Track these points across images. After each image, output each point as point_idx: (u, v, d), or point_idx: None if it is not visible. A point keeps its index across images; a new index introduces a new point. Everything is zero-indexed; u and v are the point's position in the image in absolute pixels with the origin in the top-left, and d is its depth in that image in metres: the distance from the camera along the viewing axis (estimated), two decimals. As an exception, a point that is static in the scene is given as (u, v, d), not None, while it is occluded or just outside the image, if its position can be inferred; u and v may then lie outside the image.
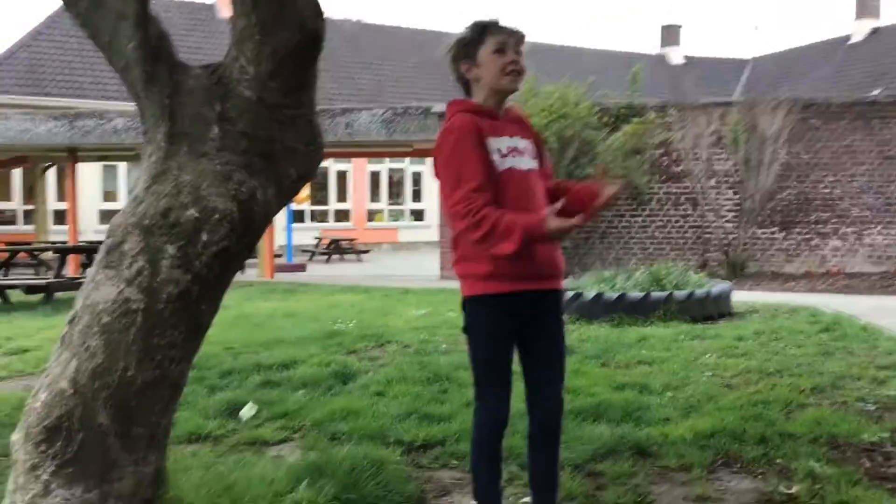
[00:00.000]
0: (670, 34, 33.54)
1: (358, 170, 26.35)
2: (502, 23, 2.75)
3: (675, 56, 32.73)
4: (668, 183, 13.88)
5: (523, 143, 2.74)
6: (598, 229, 13.90)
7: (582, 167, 13.10)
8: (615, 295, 7.82)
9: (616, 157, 13.25)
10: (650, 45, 49.07)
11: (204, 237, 2.64)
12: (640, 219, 13.96)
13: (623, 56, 29.58)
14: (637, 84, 14.35)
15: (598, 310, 7.72)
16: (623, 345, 6.33)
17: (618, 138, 13.21)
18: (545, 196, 2.75)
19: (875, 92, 20.44)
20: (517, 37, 2.72)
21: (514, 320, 2.67)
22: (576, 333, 6.83)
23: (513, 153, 2.69)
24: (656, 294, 7.84)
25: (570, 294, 7.87)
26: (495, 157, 2.64)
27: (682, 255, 13.60)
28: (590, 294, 7.90)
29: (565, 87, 13.51)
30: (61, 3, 2.97)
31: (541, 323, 2.72)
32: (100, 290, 2.63)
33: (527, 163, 2.72)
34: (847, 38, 28.87)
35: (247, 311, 9.00)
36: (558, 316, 2.78)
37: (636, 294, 7.85)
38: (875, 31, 27.99)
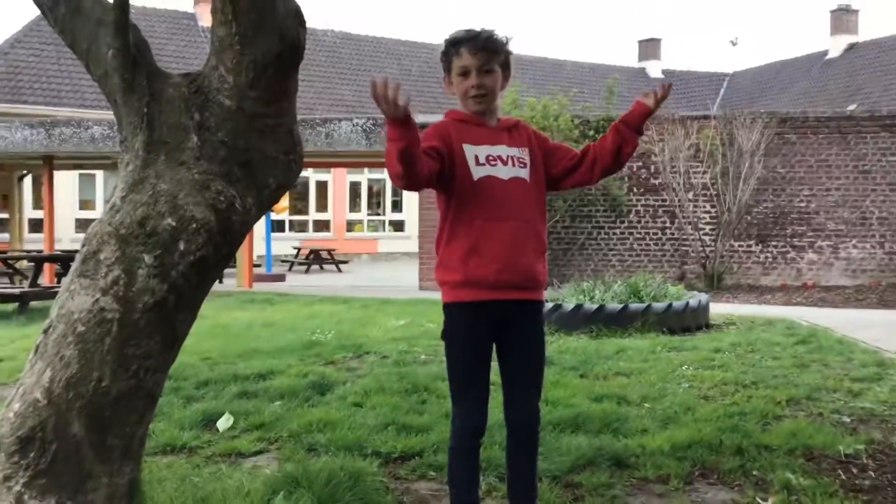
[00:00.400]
0: (649, 48, 33.83)
1: (338, 180, 26.32)
2: (474, 35, 2.72)
3: (654, 69, 32.99)
4: (647, 195, 13.97)
5: (512, 151, 2.72)
6: (578, 241, 13.96)
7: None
8: (594, 306, 7.85)
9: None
10: (630, 58, 49.45)
11: (181, 246, 2.63)
12: (618, 231, 14.03)
13: (604, 68, 29.79)
14: (614, 96, 14.46)
15: (578, 321, 7.74)
16: (602, 356, 6.35)
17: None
18: (534, 202, 2.73)
19: (851, 107, 20.72)
20: (482, 57, 2.69)
21: (491, 328, 2.68)
22: (555, 345, 6.84)
23: (492, 161, 2.68)
24: (635, 306, 7.87)
25: (549, 305, 7.88)
26: (471, 164, 2.66)
27: (661, 267, 13.67)
28: (569, 305, 7.92)
29: (547, 99, 13.60)
30: (39, 10, 2.95)
31: (519, 333, 2.72)
32: (75, 299, 2.60)
33: (508, 171, 2.70)
34: (824, 53, 29.25)
35: (224, 320, 8.94)
36: (537, 326, 2.77)
37: (615, 306, 7.88)
38: (851, 46, 28.38)
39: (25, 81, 20.48)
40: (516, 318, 2.70)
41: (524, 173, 2.73)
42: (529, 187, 2.73)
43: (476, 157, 2.67)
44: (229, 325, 8.58)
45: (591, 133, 13.50)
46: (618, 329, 7.61)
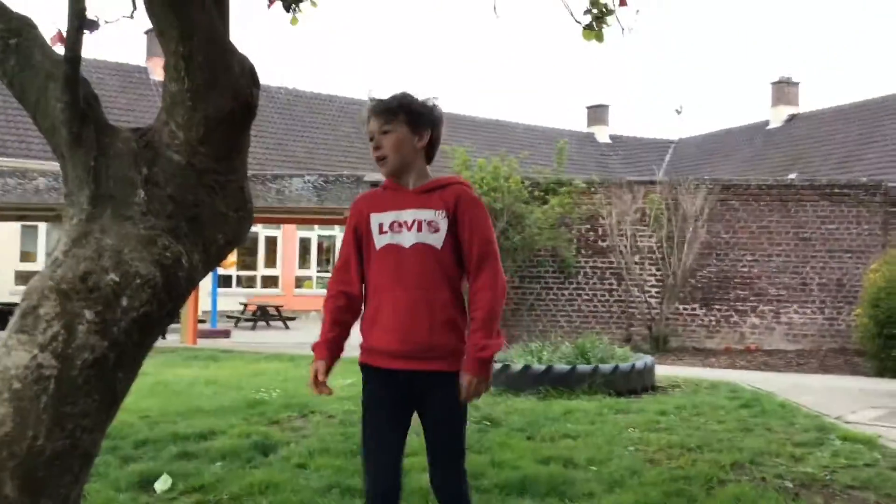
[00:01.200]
0: (597, 114, 34.60)
1: (288, 236, 26.18)
2: (377, 101, 2.74)
3: (602, 134, 33.72)
4: (595, 257, 14.16)
5: (423, 215, 2.63)
6: (527, 301, 14.03)
7: (510, 238, 13.31)
8: (542, 367, 7.86)
9: (543, 229, 13.50)
10: (579, 123, 50.62)
11: (124, 302, 2.58)
12: (567, 291, 14.16)
13: (553, 132, 30.36)
14: (563, 158, 14.74)
15: (525, 382, 7.74)
16: (549, 418, 6.34)
17: (545, 211, 13.49)
18: (440, 270, 2.60)
19: (791, 175, 21.38)
20: (380, 120, 2.70)
21: (403, 395, 2.64)
22: (502, 405, 6.82)
23: (396, 228, 2.64)
24: (582, 367, 7.91)
25: (498, 366, 7.88)
26: (374, 233, 2.67)
27: (608, 328, 13.80)
28: (517, 366, 7.92)
29: (497, 160, 13.80)
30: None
31: (430, 404, 2.66)
32: (12, 355, 2.52)
33: (412, 237, 2.62)
34: (765, 123, 30.22)
35: (166, 377, 8.74)
36: (446, 397, 2.62)
37: (562, 367, 7.90)
38: (792, 117, 29.38)
39: (-30, 130, 20.13)
40: (428, 389, 2.63)
41: (434, 239, 2.62)
42: (439, 254, 2.61)
43: (381, 226, 2.66)
44: (171, 382, 8.39)
45: (540, 194, 13.69)
46: (565, 390, 7.62)
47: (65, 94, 2.62)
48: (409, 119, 2.70)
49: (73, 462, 2.60)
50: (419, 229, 2.62)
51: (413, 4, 71.94)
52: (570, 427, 6.01)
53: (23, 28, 2.84)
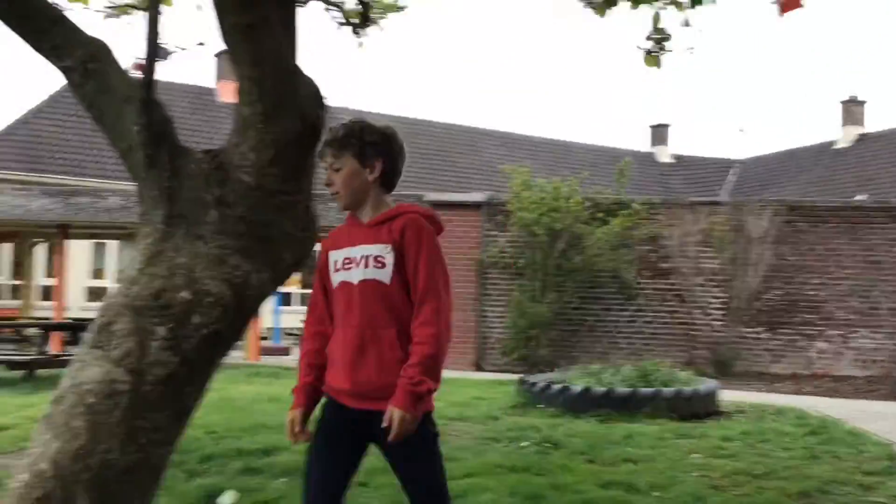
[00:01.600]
0: (659, 133, 34.26)
1: (349, 254, 26.36)
2: (331, 130, 2.70)
3: (664, 154, 33.37)
4: (656, 279, 13.97)
5: (371, 250, 2.55)
6: (586, 323, 13.91)
7: (570, 259, 13.26)
8: (603, 390, 7.79)
9: (604, 250, 13.40)
10: (640, 142, 50.22)
11: (195, 320, 2.65)
12: (627, 313, 13.99)
13: (613, 151, 30.14)
14: (624, 179, 14.63)
15: (586, 404, 7.67)
16: (610, 441, 6.28)
17: (606, 232, 13.39)
18: (388, 306, 2.51)
19: (860, 197, 20.85)
20: (328, 156, 2.66)
21: (353, 431, 2.58)
22: (562, 428, 6.77)
23: (346, 265, 2.60)
24: (644, 390, 7.81)
25: (557, 387, 7.85)
26: (331, 271, 2.65)
27: (669, 351, 13.58)
28: (577, 388, 7.86)
29: (558, 181, 13.77)
30: (68, 84, 3.04)
31: (385, 445, 2.52)
32: (86, 370, 2.61)
33: (360, 273, 2.55)
34: (833, 143, 29.57)
35: (230, 394, 8.88)
36: (399, 440, 2.43)
37: (624, 390, 7.81)
38: (861, 137, 28.70)
39: (46, 151, 20.85)
40: (376, 430, 2.48)
41: (382, 274, 2.53)
42: (387, 290, 2.52)
43: (335, 263, 2.64)
44: (235, 398, 8.53)
45: (601, 215, 13.59)
46: (626, 414, 7.53)
47: (141, 116, 2.71)
48: (358, 152, 2.62)
49: (144, 476, 2.67)
50: (366, 265, 2.55)
51: (464, 28, 72.43)
52: (631, 451, 5.94)
53: (100, 53, 2.95)
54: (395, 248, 2.54)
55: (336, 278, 2.61)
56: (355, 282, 2.55)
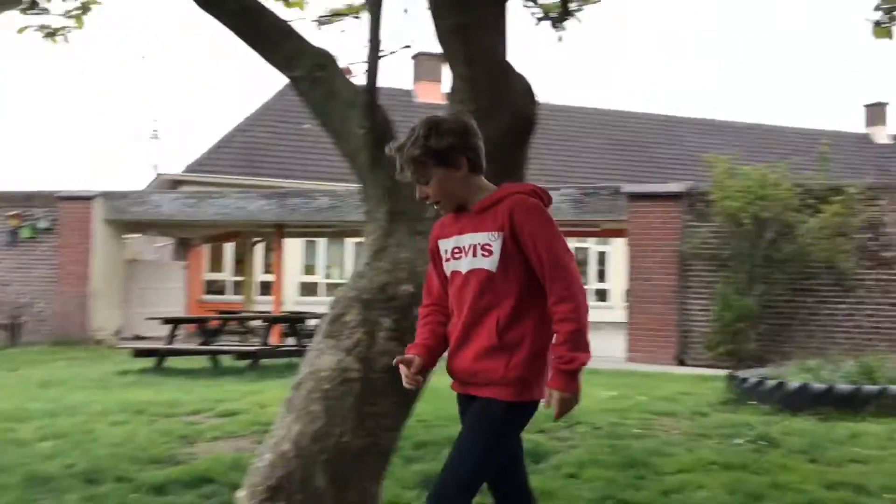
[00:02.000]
0: (875, 112, 31.78)
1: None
2: (398, 147, 2.57)
3: (881, 135, 30.93)
4: (878, 269, 12.97)
5: (477, 239, 2.52)
6: (798, 316, 13.16)
7: (781, 249, 12.59)
8: (822, 387, 7.35)
9: (818, 239, 12.61)
10: (853, 123, 46.75)
11: (417, 312, 2.77)
12: (845, 306, 13.09)
13: (823, 134, 28.27)
14: (826, 163, 13.68)
15: (803, 401, 7.26)
16: (832, 441, 5.92)
17: (820, 220, 12.58)
18: (494, 294, 2.49)
19: None
20: (411, 173, 2.55)
21: (462, 414, 2.71)
22: (778, 425, 6.46)
23: (455, 254, 2.57)
24: (869, 388, 7.29)
25: (771, 383, 7.50)
26: (443, 260, 2.62)
27: (894, 346, 12.59)
28: (793, 384, 7.46)
29: (764, 167, 13.10)
30: (296, 92, 3.26)
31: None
32: (322, 358, 2.80)
33: (468, 263, 2.52)
34: None
35: (435, 384, 9.14)
36: (474, 419, 2.60)
37: (846, 386, 7.33)
38: None
39: (260, 155, 22.38)
40: (465, 410, 2.67)
41: (487, 263, 2.49)
42: (494, 278, 2.49)
43: (445, 252, 2.61)
44: (439, 388, 8.76)
45: (813, 202, 12.80)
46: (848, 412, 7.06)
47: (366, 119, 2.88)
48: (438, 160, 2.53)
49: (374, 458, 2.84)
50: (474, 254, 2.53)
51: (654, 14, 70.40)
52: (857, 451, 5.57)
53: (326, 61, 3.15)
54: (503, 234, 2.49)
55: (448, 267, 2.61)
56: (464, 271, 2.56)
